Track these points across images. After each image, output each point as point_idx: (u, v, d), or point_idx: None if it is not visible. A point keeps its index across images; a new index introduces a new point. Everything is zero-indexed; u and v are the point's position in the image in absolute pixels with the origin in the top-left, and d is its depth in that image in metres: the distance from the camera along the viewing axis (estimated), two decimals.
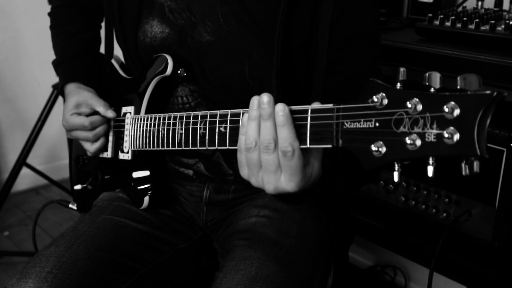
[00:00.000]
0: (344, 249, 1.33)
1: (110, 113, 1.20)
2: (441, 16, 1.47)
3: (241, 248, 1.09)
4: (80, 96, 1.24)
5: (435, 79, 0.66)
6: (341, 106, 0.75)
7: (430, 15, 1.49)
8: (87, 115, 1.23)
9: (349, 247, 1.38)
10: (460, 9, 1.56)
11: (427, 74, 0.66)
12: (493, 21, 1.38)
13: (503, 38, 1.35)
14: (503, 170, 1.25)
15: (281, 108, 0.79)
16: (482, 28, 1.40)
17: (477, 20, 1.41)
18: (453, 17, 1.46)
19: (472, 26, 1.42)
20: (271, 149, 0.79)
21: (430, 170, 0.65)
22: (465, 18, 1.43)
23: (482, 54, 1.33)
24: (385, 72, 1.49)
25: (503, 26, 1.37)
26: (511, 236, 1.27)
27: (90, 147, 1.24)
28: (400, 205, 1.51)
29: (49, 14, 1.42)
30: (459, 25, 1.44)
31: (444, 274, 1.45)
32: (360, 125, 0.72)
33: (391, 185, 1.52)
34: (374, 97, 0.70)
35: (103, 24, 1.43)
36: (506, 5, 1.56)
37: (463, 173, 0.63)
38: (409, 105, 0.66)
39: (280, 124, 0.79)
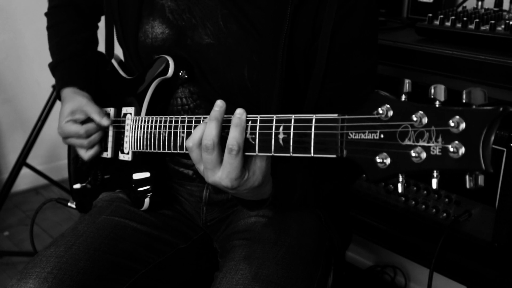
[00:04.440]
0: (343, 248, 1.33)
1: (105, 121, 1.20)
2: (441, 16, 1.47)
3: (240, 248, 1.09)
4: (75, 102, 1.24)
5: (440, 92, 0.66)
6: (346, 116, 0.75)
7: (430, 15, 1.49)
8: (83, 122, 1.23)
9: (348, 247, 1.38)
10: (460, 9, 1.56)
11: (432, 87, 0.67)
12: (493, 21, 1.38)
13: (503, 38, 1.35)
14: (503, 170, 1.25)
15: (240, 111, 0.87)
16: (482, 28, 1.40)
17: (477, 20, 1.41)
18: (453, 17, 1.45)
19: (472, 26, 1.42)
20: (210, 149, 0.87)
21: (434, 183, 0.66)
22: (465, 18, 1.43)
23: (482, 54, 1.33)
24: (385, 72, 1.49)
25: (503, 26, 1.37)
26: (511, 236, 1.27)
27: (85, 154, 1.24)
28: (400, 205, 1.51)
29: (46, 14, 1.42)
30: (459, 25, 1.44)
31: (444, 274, 1.45)
32: (365, 136, 0.72)
33: (391, 185, 1.52)
34: (379, 109, 0.70)
35: (100, 24, 1.43)
36: (506, 5, 1.56)
37: (468, 186, 0.64)
38: (414, 118, 0.67)
39: (234, 124, 0.86)
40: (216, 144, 0.87)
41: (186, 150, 0.99)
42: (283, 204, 1.04)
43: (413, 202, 1.47)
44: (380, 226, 1.56)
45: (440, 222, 1.41)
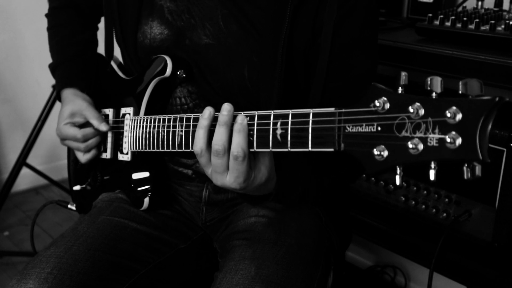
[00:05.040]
0: (343, 248, 1.33)
1: (103, 127, 1.21)
2: (441, 16, 1.47)
3: (240, 248, 1.09)
4: (75, 105, 1.24)
5: (437, 84, 0.66)
6: (343, 110, 0.75)
7: (430, 15, 1.49)
8: (81, 125, 1.23)
9: (348, 247, 1.38)
10: (460, 9, 1.56)
11: (428, 79, 0.67)
12: (493, 21, 1.38)
13: (503, 38, 1.35)
14: (503, 170, 1.25)
15: (241, 118, 0.87)
16: (482, 28, 1.40)
17: (477, 20, 1.41)
18: (453, 17, 1.45)
19: (472, 26, 1.42)
20: (220, 154, 0.87)
21: (432, 174, 0.66)
22: (465, 18, 1.43)
23: (482, 54, 1.33)
24: (385, 72, 1.49)
25: (503, 26, 1.37)
26: (511, 236, 1.27)
27: (82, 157, 1.25)
28: (400, 205, 1.51)
29: (46, 15, 1.42)
30: (459, 25, 1.44)
31: (444, 274, 1.45)
32: (362, 129, 0.72)
33: (391, 185, 1.52)
34: (376, 101, 0.70)
35: (100, 25, 1.43)
36: (506, 5, 1.56)
37: (465, 177, 0.64)
38: (411, 110, 0.67)
39: (237, 130, 0.87)
40: (226, 149, 0.88)
41: (185, 148, 0.99)
42: (286, 198, 1.04)
43: (413, 202, 1.47)
44: (380, 226, 1.56)
45: (440, 222, 1.41)
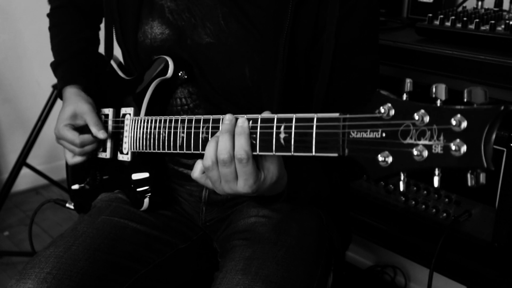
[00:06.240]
0: (343, 248, 1.33)
1: (101, 135, 1.20)
2: (441, 16, 1.46)
3: (240, 248, 1.09)
4: (78, 107, 1.24)
5: (441, 91, 0.67)
6: (348, 115, 0.75)
7: (430, 15, 1.49)
8: (81, 127, 1.23)
9: (348, 247, 1.38)
10: (460, 9, 1.56)
11: (433, 86, 0.67)
12: (493, 21, 1.38)
13: (503, 38, 1.35)
14: (503, 170, 1.25)
15: (241, 120, 0.87)
16: (482, 28, 1.40)
17: (477, 20, 1.41)
18: (453, 17, 1.45)
19: (472, 26, 1.42)
20: (228, 162, 0.87)
21: (436, 181, 0.66)
22: (465, 18, 1.43)
23: (482, 54, 1.33)
24: (385, 72, 1.49)
25: (503, 26, 1.37)
26: (511, 236, 1.27)
27: (71, 159, 1.25)
28: (400, 205, 1.51)
29: (48, 15, 1.42)
30: (459, 25, 1.44)
31: (444, 274, 1.45)
32: (367, 135, 0.72)
33: (391, 185, 1.52)
34: (381, 108, 0.71)
35: (101, 25, 1.43)
36: (506, 5, 1.56)
37: (469, 184, 0.64)
38: (416, 117, 0.67)
39: (238, 133, 0.86)
40: (232, 156, 0.87)
41: (187, 150, 0.99)
42: (298, 195, 1.04)
43: (413, 202, 1.47)
44: (380, 226, 1.56)
45: (440, 222, 1.41)
